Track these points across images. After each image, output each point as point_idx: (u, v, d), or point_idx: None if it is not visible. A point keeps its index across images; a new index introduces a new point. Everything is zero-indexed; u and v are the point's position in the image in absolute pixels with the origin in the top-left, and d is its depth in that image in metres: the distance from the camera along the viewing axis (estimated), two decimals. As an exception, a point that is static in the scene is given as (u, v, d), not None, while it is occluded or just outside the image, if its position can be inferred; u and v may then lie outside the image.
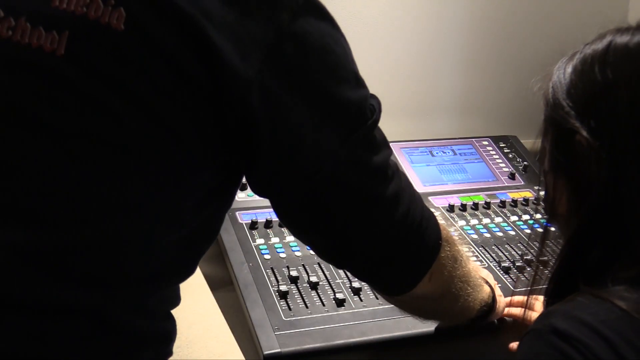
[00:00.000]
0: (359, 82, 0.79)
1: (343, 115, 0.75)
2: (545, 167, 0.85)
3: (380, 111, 0.80)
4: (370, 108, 0.79)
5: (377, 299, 1.20)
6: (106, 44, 0.66)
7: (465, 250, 0.97)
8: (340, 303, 1.18)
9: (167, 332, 0.82)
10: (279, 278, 1.23)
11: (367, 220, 0.81)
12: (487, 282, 1.08)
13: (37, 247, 0.66)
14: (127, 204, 0.68)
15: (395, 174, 0.82)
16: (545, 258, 1.14)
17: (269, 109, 0.69)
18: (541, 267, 0.96)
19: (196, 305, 1.19)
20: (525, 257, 1.34)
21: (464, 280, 0.96)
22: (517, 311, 1.16)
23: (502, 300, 1.14)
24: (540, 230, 1.02)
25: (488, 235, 1.44)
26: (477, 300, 1.02)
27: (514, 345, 1.14)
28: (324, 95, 0.74)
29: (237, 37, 0.67)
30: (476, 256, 1.36)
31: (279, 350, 1.07)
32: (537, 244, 0.97)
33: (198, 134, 0.69)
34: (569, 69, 0.81)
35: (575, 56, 0.82)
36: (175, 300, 0.84)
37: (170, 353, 0.83)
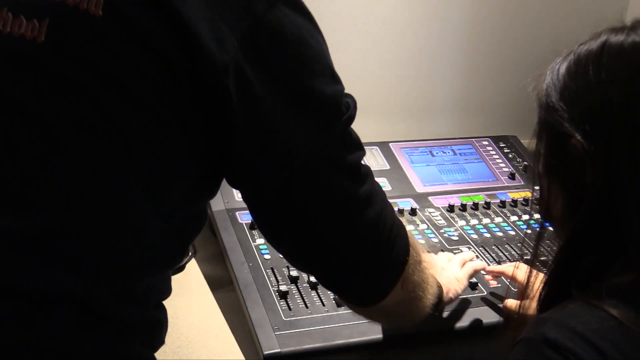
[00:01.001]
0: (335, 78, 0.79)
1: (317, 108, 0.76)
2: (539, 171, 0.84)
3: (355, 109, 0.80)
4: (345, 104, 0.79)
5: (377, 299, 1.20)
6: (85, 29, 0.67)
7: (419, 243, 0.96)
8: (340, 303, 1.18)
9: (158, 321, 0.82)
10: (279, 278, 1.23)
11: (339, 219, 0.80)
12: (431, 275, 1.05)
13: (24, 233, 0.66)
14: (112, 191, 0.68)
15: (368, 176, 0.82)
16: (545, 258, 1.14)
17: (244, 95, 0.70)
18: (541, 267, 0.95)
19: (196, 305, 1.19)
20: (525, 257, 1.34)
21: (425, 280, 0.96)
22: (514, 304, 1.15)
23: (448, 285, 1.12)
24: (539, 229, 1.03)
25: (488, 235, 1.44)
26: (433, 296, 1.01)
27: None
28: (297, 86, 0.74)
29: (213, 23, 0.68)
30: (476, 256, 1.36)
31: (279, 350, 1.07)
32: (534, 244, 0.96)
33: (180, 119, 0.69)
34: (563, 70, 0.79)
35: (569, 56, 0.80)
36: (166, 290, 0.84)
37: (161, 342, 0.84)
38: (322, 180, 0.77)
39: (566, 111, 0.77)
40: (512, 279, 1.21)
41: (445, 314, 1.18)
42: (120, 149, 0.68)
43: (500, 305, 1.19)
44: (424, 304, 0.97)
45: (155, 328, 0.81)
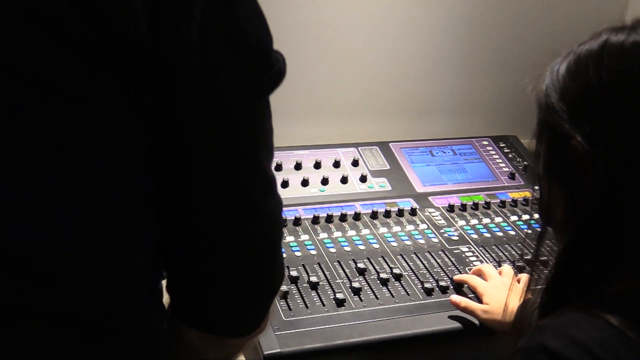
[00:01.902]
0: (264, 21, 0.70)
1: (245, 52, 0.68)
2: (539, 172, 0.83)
3: (285, 65, 0.73)
4: (275, 55, 0.71)
5: (377, 298, 1.20)
6: None
7: None
8: (340, 303, 1.18)
9: (150, 321, 0.73)
10: (279, 278, 1.23)
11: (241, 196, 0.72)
12: None
13: None
14: (51, 171, 0.62)
15: (275, 182, 0.76)
16: (545, 258, 1.14)
17: (164, 42, 0.63)
18: (541, 267, 0.95)
19: (196, 305, 1.19)
20: (525, 257, 1.34)
21: None
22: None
23: None
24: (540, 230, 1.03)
25: (488, 235, 1.44)
26: None
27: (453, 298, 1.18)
28: (218, 19, 0.66)
29: None
30: (476, 256, 1.36)
31: (279, 350, 1.07)
32: (535, 245, 0.95)
33: (100, 90, 0.62)
34: (563, 70, 0.78)
35: (568, 57, 0.79)
36: (151, 280, 0.75)
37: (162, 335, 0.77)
38: (231, 145, 0.70)
39: (566, 112, 0.76)
40: (473, 289, 1.22)
41: (445, 314, 1.19)
42: (51, 140, 0.62)
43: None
44: None
45: (146, 332, 0.73)
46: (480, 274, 1.25)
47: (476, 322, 1.17)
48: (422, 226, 1.45)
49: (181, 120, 0.67)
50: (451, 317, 1.18)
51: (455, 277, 1.26)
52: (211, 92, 0.67)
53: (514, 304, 1.07)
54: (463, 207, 1.53)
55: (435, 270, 1.30)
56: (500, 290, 1.16)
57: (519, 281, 1.18)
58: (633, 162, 0.72)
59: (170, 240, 0.74)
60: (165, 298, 0.81)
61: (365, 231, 1.41)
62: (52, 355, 0.65)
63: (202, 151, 0.69)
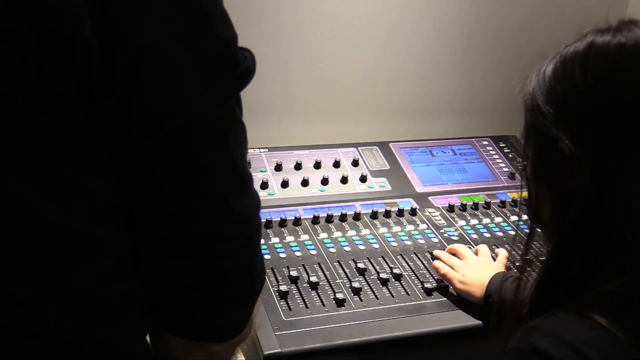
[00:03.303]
0: (227, 18, 0.67)
1: (208, 52, 0.65)
2: (527, 174, 0.83)
3: (254, 63, 0.70)
4: (241, 54, 0.68)
5: (377, 298, 1.20)
6: None
7: None
8: (340, 303, 1.18)
9: (111, 343, 0.70)
10: (279, 278, 1.23)
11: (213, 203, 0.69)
12: None
13: None
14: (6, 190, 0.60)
15: (251, 179, 0.73)
16: (543, 258, 1.14)
17: (105, 37, 0.59)
18: (537, 264, 0.95)
19: (196, 305, 1.19)
20: (525, 257, 1.34)
21: None
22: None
23: None
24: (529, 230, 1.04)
25: (488, 235, 1.44)
26: None
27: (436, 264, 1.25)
28: (177, 17, 0.62)
29: None
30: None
31: (279, 350, 1.07)
32: (524, 245, 0.96)
33: (50, 96, 0.60)
34: (549, 72, 0.78)
35: (554, 58, 0.79)
36: (122, 303, 0.71)
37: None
38: (205, 150, 0.67)
39: (553, 114, 0.76)
40: (450, 266, 1.25)
41: (445, 314, 1.19)
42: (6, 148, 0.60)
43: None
44: None
45: (120, 346, 0.71)
46: (455, 253, 1.31)
47: (476, 322, 1.17)
48: (422, 226, 1.45)
49: (144, 127, 0.64)
50: (451, 317, 1.18)
51: (434, 252, 1.32)
52: (173, 97, 0.64)
53: (488, 276, 1.16)
54: (463, 207, 1.53)
55: (435, 270, 1.30)
56: (475, 267, 1.23)
57: (495, 259, 1.27)
58: (620, 164, 0.72)
59: (144, 248, 0.72)
60: None
61: (365, 231, 1.41)
62: None
63: (169, 158, 0.66)
